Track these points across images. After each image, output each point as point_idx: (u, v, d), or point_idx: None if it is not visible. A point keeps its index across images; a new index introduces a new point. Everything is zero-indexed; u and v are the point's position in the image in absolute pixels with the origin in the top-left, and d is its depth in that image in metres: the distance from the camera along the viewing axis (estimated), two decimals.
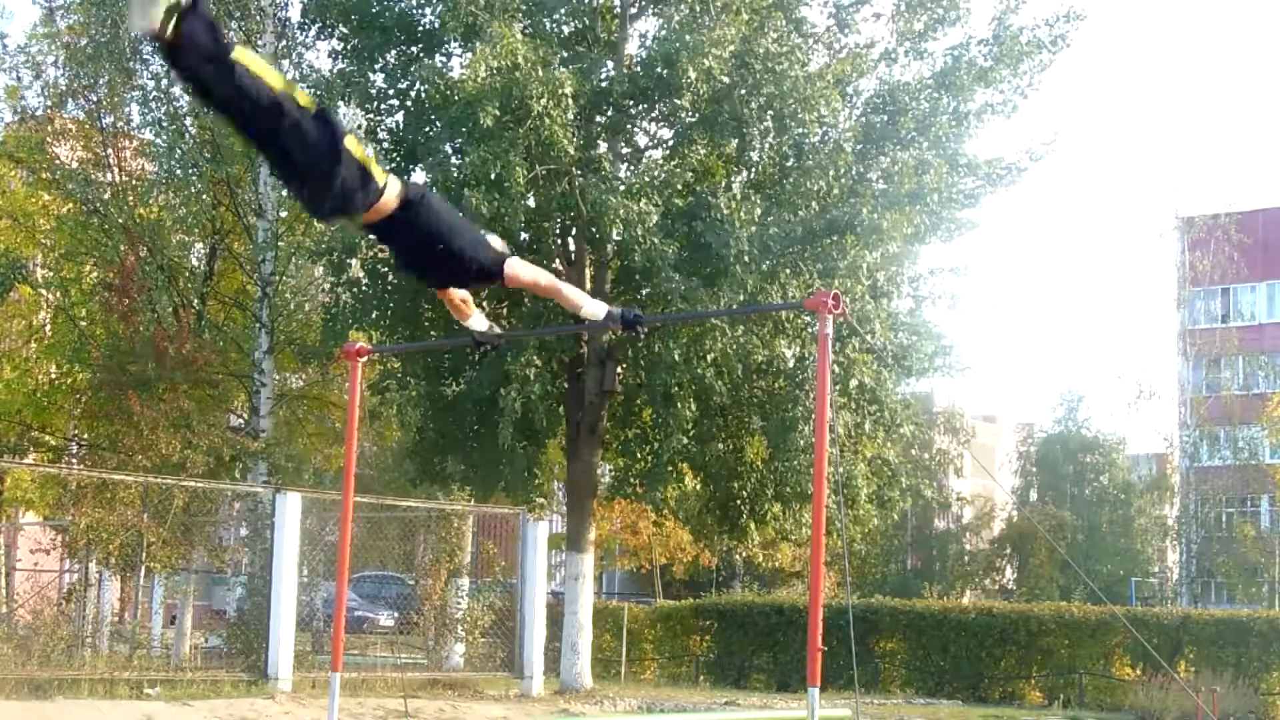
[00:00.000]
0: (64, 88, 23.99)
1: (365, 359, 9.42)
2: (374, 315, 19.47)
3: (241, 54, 4.92)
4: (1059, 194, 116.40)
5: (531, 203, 18.43)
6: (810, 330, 18.56)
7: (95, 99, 23.68)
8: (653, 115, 20.08)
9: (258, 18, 23.28)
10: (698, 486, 21.93)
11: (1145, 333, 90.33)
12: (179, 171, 22.65)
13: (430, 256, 6.13)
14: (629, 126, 19.94)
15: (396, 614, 22.98)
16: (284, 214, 23.37)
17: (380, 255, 20.35)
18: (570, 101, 17.38)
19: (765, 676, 26.20)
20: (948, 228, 20.34)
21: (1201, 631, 23.13)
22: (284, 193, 23.37)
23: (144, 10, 4.71)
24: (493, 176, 16.92)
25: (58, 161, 23.66)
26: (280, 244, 22.82)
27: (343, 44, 20.32)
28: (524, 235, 18.98)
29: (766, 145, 18.92)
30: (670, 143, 20.19)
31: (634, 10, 20.07)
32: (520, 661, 18.21)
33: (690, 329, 17.87)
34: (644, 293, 18.92)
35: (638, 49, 19.70)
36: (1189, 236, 49.33)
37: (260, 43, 23.32)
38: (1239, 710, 20.61)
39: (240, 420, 24.20)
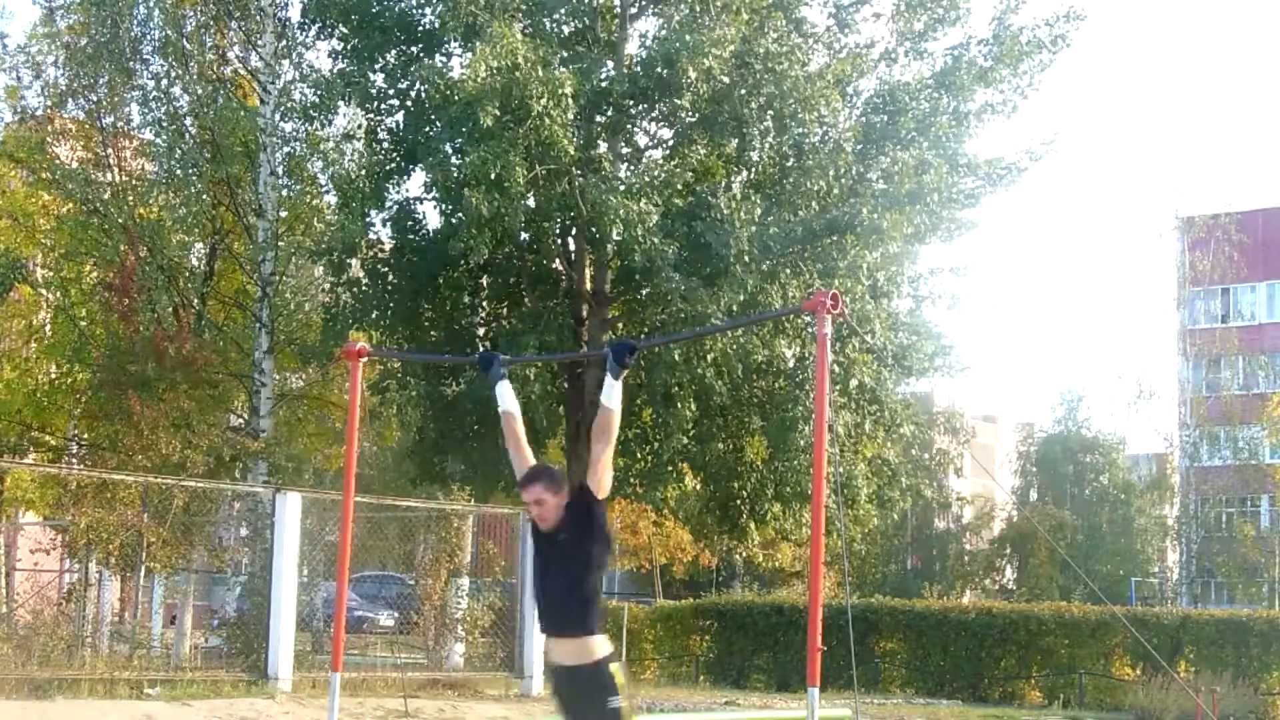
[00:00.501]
0: (64, 88, 23.96)
1: (365, 359, 9.41)
2: (374, 315, 19.48)
3: None
4: (1059, 194, 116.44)
5: (531, 203, 18.43)
6: (810, 330, 18.56)
7: (95, 99, 23.66)
8: (653, 115, 20.09)
9: (258, 18, 23.27)
10: (698, 486, 21.93)
11: (1145, 333, 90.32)
12: (179, 171, 22.62)
13: None
14: (629, 126, 19.94)
15: (396, 614, 22.96)
16: (284, 214, 23.37)
17: (380, 255, 20.37)
18: (570, 101, 17.38)
19: (765, 676, 26.20)
20: (948, 228, 20.35)
21: (1201, 631, 23.13)
22: (284, 193, 23.41)
23: None
24: (493, 176, 16.92)
25: (58, 161, 23.63)
26: (280, 244, 22.80)
27: (343, 44, 20.32)
28: (524, 235, 18.99)
29: (766, 145, 18.92)
30: (670, 143, 20.20)
31: (634, 10, 20.07)
32: (520, 661, 18.20)
33: (690, 328, 17.87)
34: (644, 293, 18.93)
35: (638, 49, 19.71)
36: (1189, 236, 49.35)
37: (260, 43, 23.33)
38: (1239, 710, 20.61)
39: (240, 420, 24.18)
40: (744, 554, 38.61)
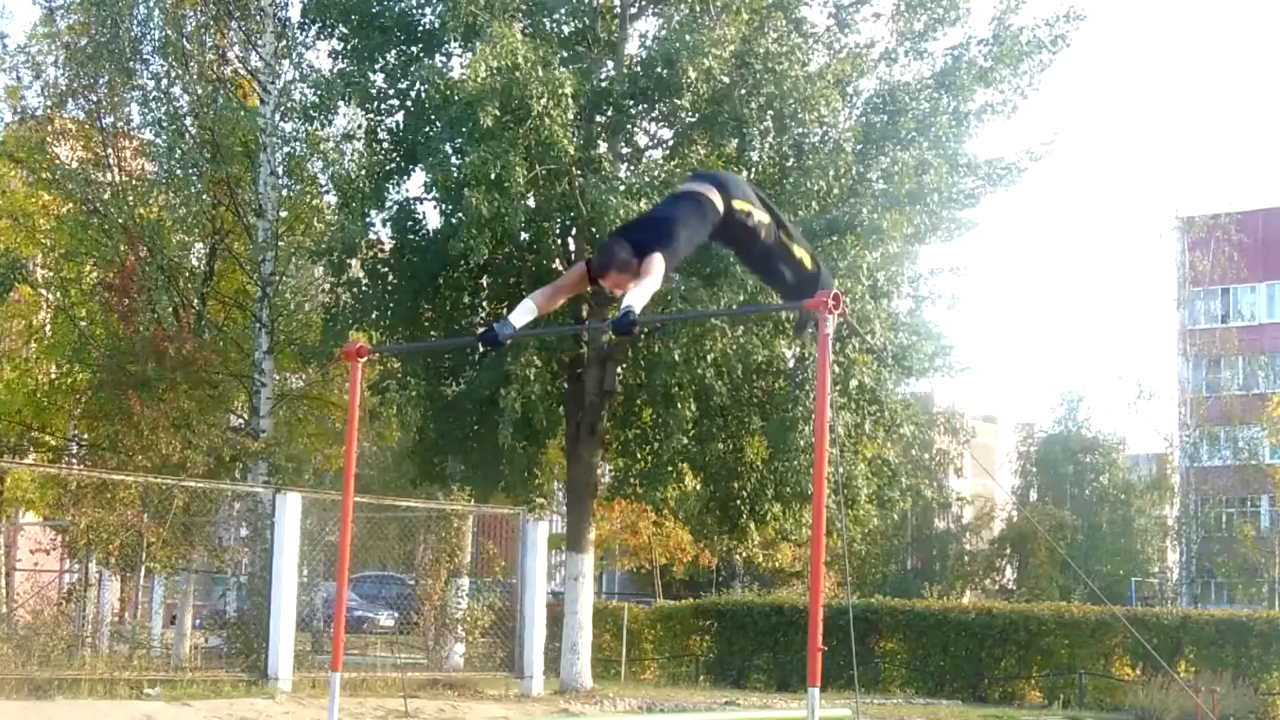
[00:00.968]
0: (64, 88, 23.97)
1: (365, 359, 9.40)
2: (374, 315, 19.47)
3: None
4: (1059, 194, 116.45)
5: (531, 203, 18.43)
6: (810, 330, 18.53)
7: (95, 99, 23.66)
8: (653, 115, 20.08)
9: (258, 18, 23.28)
10: (698, 486, 21.92)
11: (1145, 333, 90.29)
12: (179, 171, 22.64)
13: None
14: (629, 126, 19.93)
15: (396, 614, 22.98)
16: (284, 214, 23.38)
17: (380, 255, 20.36)
18: (570, 101, 17.38)
19: (765, 676, 26.20)
20: (948, 228, 20.33)
21: (1201, 631, 23.13)
22: (284, 193, 23.41)
23: None
24: (493, 176, 16.91)
25: (58, 161, 23.64)
26: (280, 244, 22.81)
27: (343, 44, 20.31)
28: (524, 235, 18.99)
29: (766, 145, 18.90)
30: (670, 143, 20.19)
31: (634, 10, 20.07)
32: (520, 661, 18.20)
33: (690, 329, 17.86)
34: None
35: (638, 49, 19.69)
36: (1189, 236, 49.37)
37: (260, 43, 23.33)
38: (1239, 710, 20.61)
39: (240, 420, 24.18)
40: (744, 554, 38.59)
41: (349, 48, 20.15)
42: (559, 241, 19.78)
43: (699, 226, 7.40)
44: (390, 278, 19.76)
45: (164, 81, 23.27)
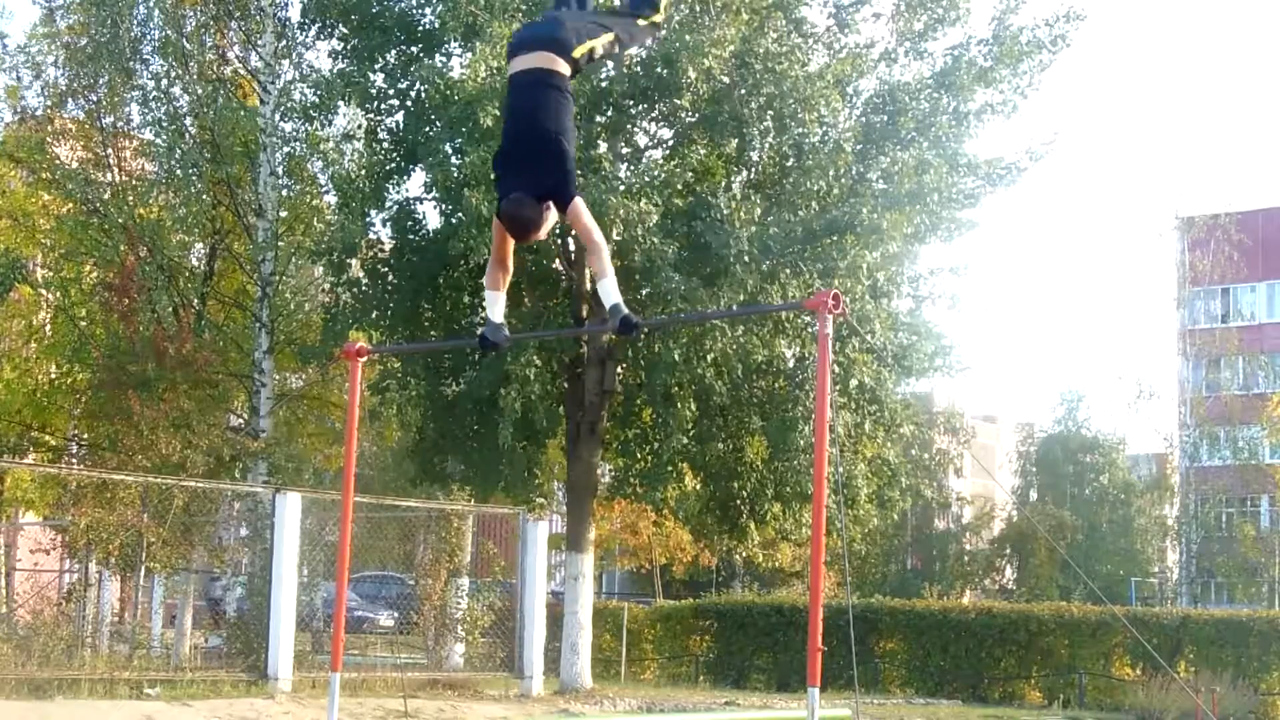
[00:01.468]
0: (64, 88, 23.97)
1: (365, 359, 9.41)
2: (374, 315, 19.46)
3: None
4: (1059, 194, 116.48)
5: None
6: (810, 330, 18.55)
7: (95, 99, 23.66)
8: (653, 115, 20.07)
9: (258, 18, 23.27)
10: (698, 486, 21.92)
11: (1145, 333, 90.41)
12: (179, 171, 22.64)
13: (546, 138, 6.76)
14: (629, 126, 19.93)
15: (396, 614, 22.98)
16: (284, 214, 23.38)
17: (380, 255, 20.36)
18: None
19: (765, 676, 26.20)
20: (948, 228, 20.33)
21: (1201, 631, 23.13)
22: (284, 193, 23.41)
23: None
24: (492, 177, 16.89)
25: (58, 161, 23.64)
26: (280, 244, 22.81)
27: (343, 44, 20.31)
28: None
29: (766, 145, 18.91)
30: (670, 143, 20.19)
31: None
32: (520, 661, 18.20)
33: (690, 329, 17.86)
34: (644, 293, 18.92)
35: (638, 49, 19.68)
36: (1189, 236, 49.35)
37: (260, 43, 23.33)
38: (1239, 710, 20.62)
39: (240, 420, 24.18)
40: (744, 554, 38.56)
41: (349, 48, 20.15)
42: (559, 241, 19.78)
43: (569, 110, 6.93)
44: (390, 278, 19.76)
45: (164, 81, 23.28)
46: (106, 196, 23.08)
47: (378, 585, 27.12)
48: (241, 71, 24.30)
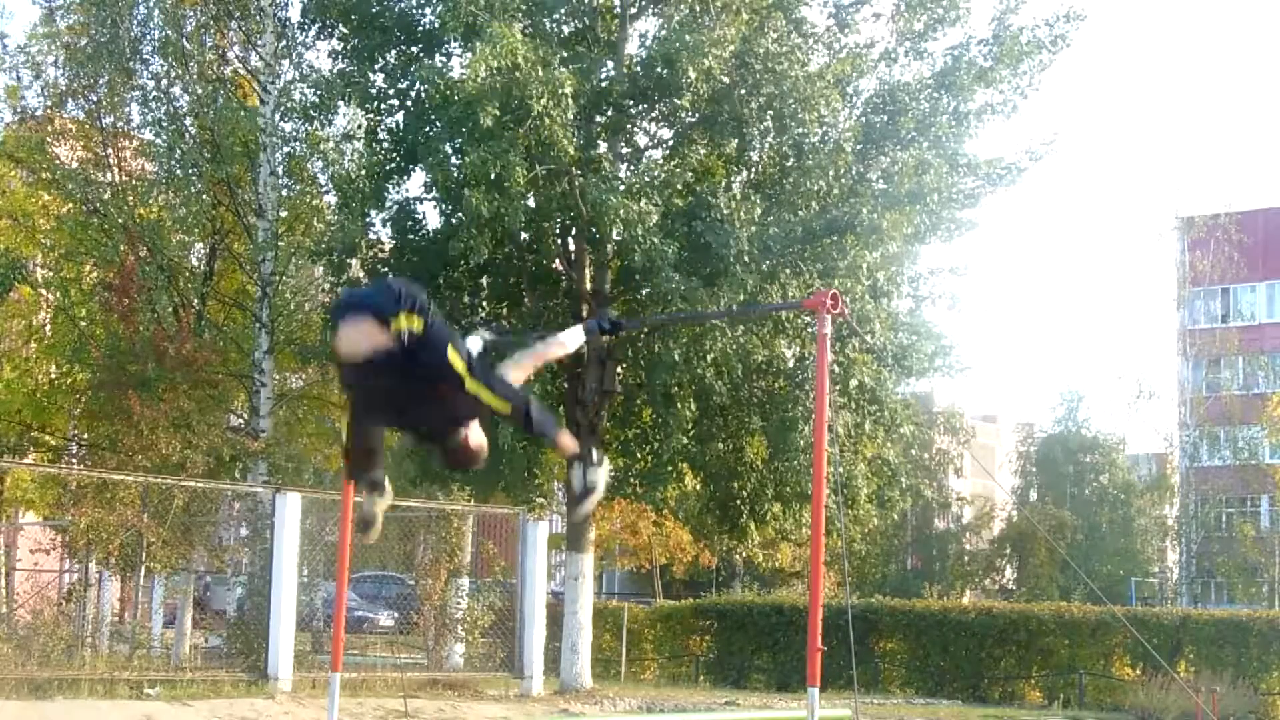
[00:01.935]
0: (64, 88, 23.96)
1: None
2: None
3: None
4: (1059, 194, 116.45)
5: (531, 203, 18.42)
6: (810, 330, 18.54)
7: (95, 99, 23.65)
8: (653, 115, 20.06)
9: (258, 18, 23.27)
10: (698, 486, 21.91)
11: (1145, 333, 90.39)
12: (179, 171, 22.64)
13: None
14: (629, 126, 19.92)
15: (396, 614, 22.97)
16: (284, 214, 23.37)
17: (380, 255, 20.36)
18: (570, 101, 17.37)
19: (765, 676, 26.20)
20: (947, 228, 20.32)
21: (1201, 631, 23.14)
22: (284, 193, 23.41)
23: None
24: (493, 176, 16.90)
25: (58, 161, 23.63)
26: (280, 244, 22.80)
27: (343, 44, 20.30)
28: (524, 235, 18.98)
29: (766, 145, 18.90)
30: (670, 143, 20.18)
31: (634, 10, 20.05)
32: (520, 661, 18.20)
33: (690, 329, 17.86)
34: (644, 293, 18.92)
35: (638, 49, 19.68)
36: (1189, 236, 49.37)
37: (260, 43, 23.33)
38: (1239, 710, 20.61)
39: (240, 420, 24.18)
40: (744, 554, 38.60)
41: (349, 48, 20.14)
42: (559, 241, 19.79)
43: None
44: (390, 278, 19.74)
45: (164, 81, 23.28)
46: (106, 196, 23.07)
47: (378, 585, 27.12)
48: (241, 71, 24.29)
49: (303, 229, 23.61)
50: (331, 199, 22.71)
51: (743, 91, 18.29)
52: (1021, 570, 51.04)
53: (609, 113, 19.14)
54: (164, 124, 22.85)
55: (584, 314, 19.50)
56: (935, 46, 20.65)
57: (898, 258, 19.97)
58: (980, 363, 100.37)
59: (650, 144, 20.61)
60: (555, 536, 28.71)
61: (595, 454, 6.14)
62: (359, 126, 21.03)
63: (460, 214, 17.50)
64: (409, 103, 19.56)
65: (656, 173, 18.49)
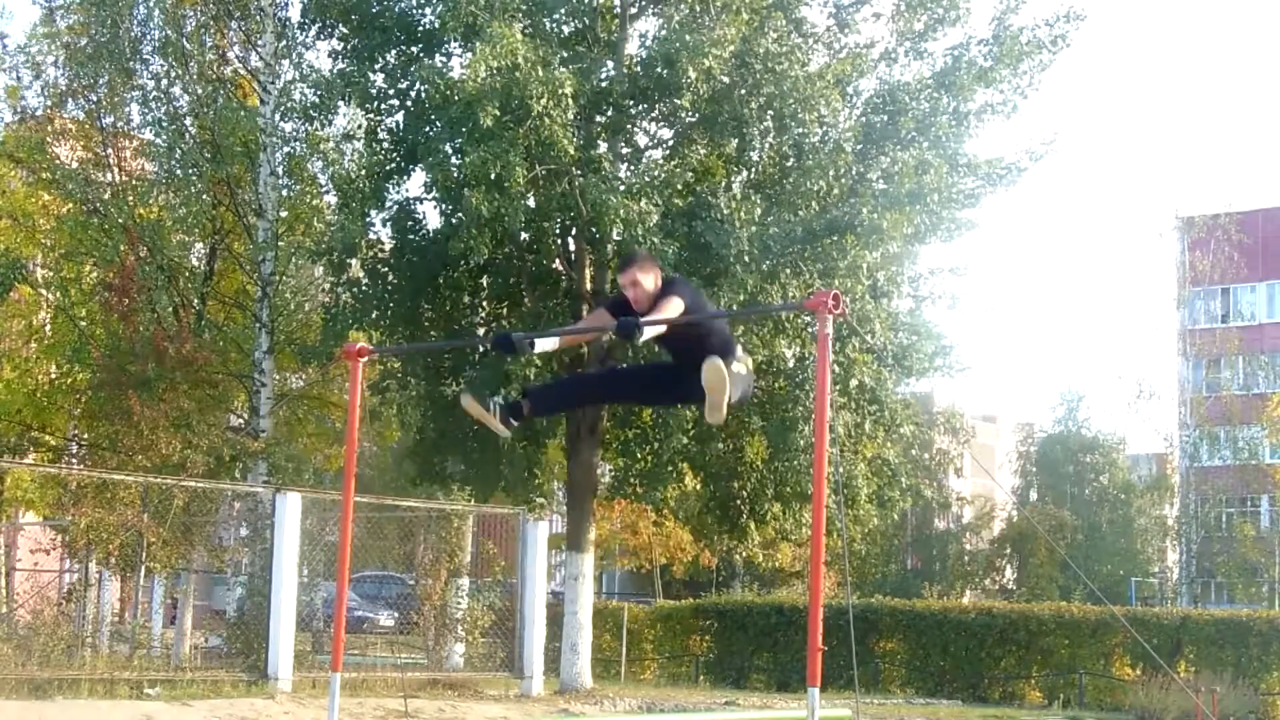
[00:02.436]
0: (64, 88, 23.95)
1: (365, 359, 9.40)
2: (374, 315, 19.46)
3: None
4: (1059, 194, 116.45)
5: (531, 203, 18.42)
6: (810, 330, 18.54)
7: (95, 99, 23.64)
8: (653, 115, 20.07)
9: (258, 18, 23.27)
10: (698, 486, 21.92)
11: (1145, 333, 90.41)
12: (179, 171, 22.63)
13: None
14: (629, 126, 19.93)
15: (396, 614, 22.98)
16: (284, 214, 23.37)
17: (380, 255, 20.36)
18: (570, 101, 17.37)
19: (765, 676, 26.21)
20: (948, 228, 20.32)
21: (1201, 631, 23.14)
22: (284, 193, 23.41)
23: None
24: (493, 176, 16.91)
25: (58, 161, 23.62)
26: (280, 244, 22.80)
27: (343, 44, 20.30)
28: (524, 235, 18.98)
29: (766, 145, 18.90)
30: (670, 143, 20.18)
31: (634, 10, 20.06)
32: (520, 661, 18.20)
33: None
34: None
35: (638, 49, 19.68)
36: (1189, 236, 49.38)
37: (260, 43, 23.32)
38: (1239, 710, 20.61)
39: (240, 420, 24.18)
40: (744, 554, 38.59)
41: (349, 48, 20.14)
42: (559, 241, 19.78)
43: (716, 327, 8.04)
44: (390, 278, 19.75)
45: (164, 81, 23.27)
46: (106, 196, 23.07)
47: (378, 585, 27.11)
48: (241, 71, 24.29)
49: (303, 229, 23.61)
50: (331, 199, 22.72)
51: (743, 91, 18.29)
52: (1021, 570, 51.05)
53: (609, 113, 19.14)
54: (164, 124, 22.85)
55: (584, 314, 19.51)
56: (935, 46, 20.67)
57: (898, 258, 19.97)
58: (980, 363, 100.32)
59: (650, 144, 20.62)
60: (555, 536, 28.74)
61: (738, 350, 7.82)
62: (359, 126, 21.03)
63: (460, 214, 17.50)
64: (409, 103, 19.56)
65: (656, 173, 18.49)
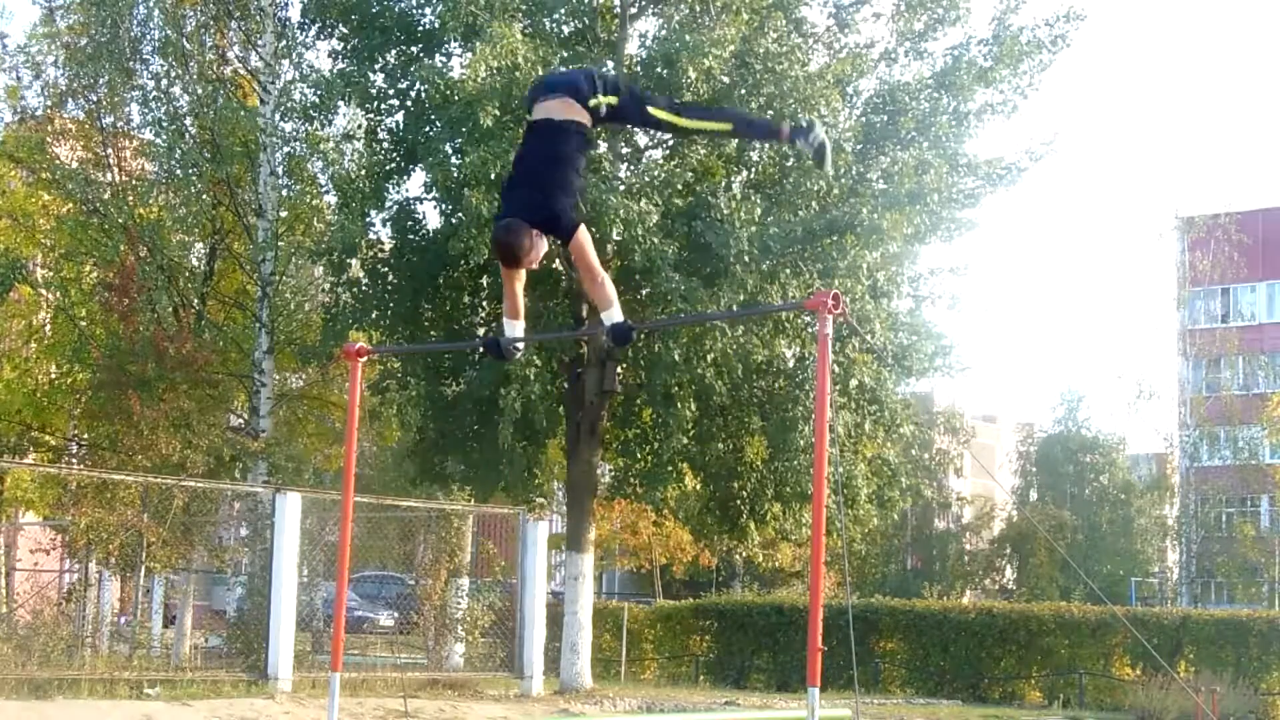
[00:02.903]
0: (64, 88, 23.96)
1: (365, 359, 9.40)
2: (374, 315, 19.46)
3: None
4: (1059, 194, 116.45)
5: None
6: (810, 330, 18.55)
7: (95, 99, 23.65)
8: None
9: (258, 18, 23.27)
10: (698, 486, 21.91)
11: (1145, 333, 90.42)
12: (179, 171, 22.63)
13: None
14: (629, 126, 19.92)
15: (396, 614, 22.96)
16: (284, 214, 23.37)
17: (380, 255, 20.35)
18: None
19: (765, 676, 26.20)
20: (948, 228, 20.32)
21: (1201, 631, 23.14)
22: (284, 193, 23.41)
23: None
24: (493, 176, 16.91)
25: (58, 161, 23.62)
26: (280, 244, 22.80)
27: (343, 44, 20.30)
28: None
29: (766, 145, 18.90)
30: (670, 143, 20.19)
31: (634, 10, 20.06)
32: (520, 661, 18.20)
33: (690, 329, 17.86)
34: (644, 293, 18.91)
35: (638, 49, 19.68)
36: (1189, 236, 49.37)
37: (260, 43, 23.32)
38: (1239, 710, 20.61)
39: (240, 420, 24.18)
40: (744, 554, 38.61)
41: (349, 48, 20.14)
42: (559, 241, 19.76)
43: (581, 150, 7.25)
44: (390, 278, 19.75)
45: (164, 81, 23.28)
46: (106, 196, 23.07)
47: (378, 585, 27.11)
48: (241, 71, 24.30)
49: (303, 229, 23.61)
50: (331, 199, 22.71)
51: (743, 91, 18.29)
52: (1021, 570, 51.04)
53: None
54: (164, 124, 22.85)
55: (584, 315, 19.52)
56: (935, 46, 20.68)
57: (898, 258, 19.97)
58: (980, 363, 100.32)
59: (650, 144, 20.62)
60: (555, 536, 28.73)
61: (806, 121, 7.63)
62: (359, 126, 21.03)
63: (460, 214, 17.50)
64: (409, 103, 19.56)
65: (656, 173, 18.49)
